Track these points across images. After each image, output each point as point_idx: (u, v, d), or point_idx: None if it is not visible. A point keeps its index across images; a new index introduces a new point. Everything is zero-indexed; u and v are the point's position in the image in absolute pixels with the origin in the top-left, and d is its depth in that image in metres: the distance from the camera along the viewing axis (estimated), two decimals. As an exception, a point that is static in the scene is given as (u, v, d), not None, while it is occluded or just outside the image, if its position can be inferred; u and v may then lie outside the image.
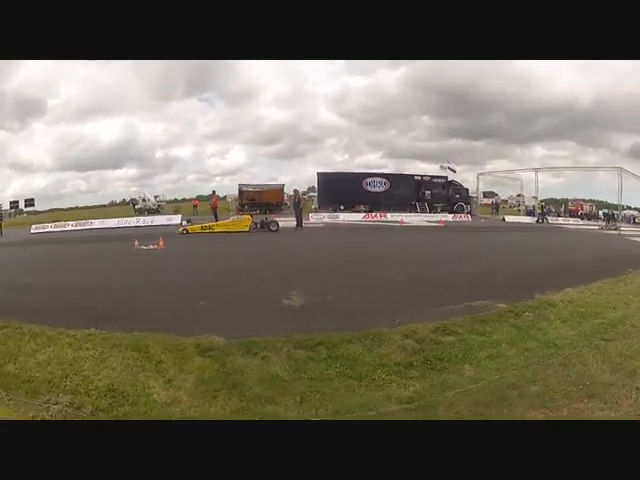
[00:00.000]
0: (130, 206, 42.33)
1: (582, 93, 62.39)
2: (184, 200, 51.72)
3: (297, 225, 19.32)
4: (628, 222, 29.77)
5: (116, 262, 10.49)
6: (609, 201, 38.18)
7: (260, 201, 34.42)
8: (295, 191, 19.74)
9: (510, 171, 37.27)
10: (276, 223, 18.89)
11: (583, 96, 66.82)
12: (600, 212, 31.89)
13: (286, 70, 71.86)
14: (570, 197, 39.07)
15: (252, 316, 5.24)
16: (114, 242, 16.20)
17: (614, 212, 30.07)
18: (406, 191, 34.85)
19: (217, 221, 20.74)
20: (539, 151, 79.07)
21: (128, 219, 28.59)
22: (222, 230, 18.44)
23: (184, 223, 24.41)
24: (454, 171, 36.05)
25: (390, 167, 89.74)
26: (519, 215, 34.81)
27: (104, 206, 53.86)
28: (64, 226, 25.97)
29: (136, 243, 12.77)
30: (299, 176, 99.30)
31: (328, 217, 26.13)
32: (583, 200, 37.03)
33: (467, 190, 35.31)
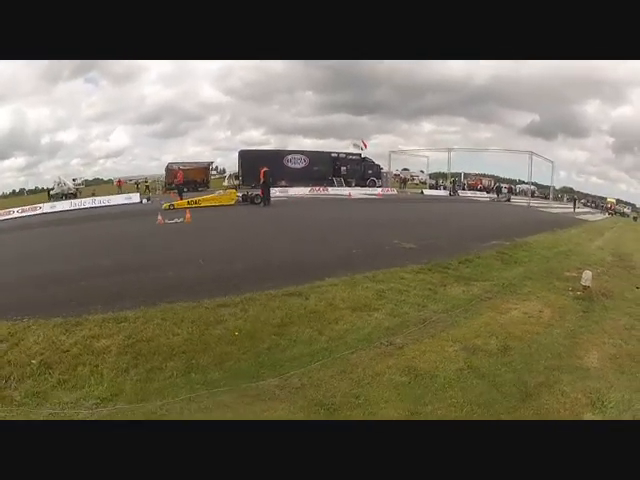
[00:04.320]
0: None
1: (478, 69, 67.85)
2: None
3: (262, 201, 19.50)
4: (525, 195, 38.14)
5: (194, 235, 11.83)
6: (498, 175, 47.52)
7: (186, 179, 34.00)
8: (264, 169, 20.21)
9: (419, 149, 44.53)
10: (259, 197, 19.87)
11: (479, 73, 72.22)
12: (502, 186, 39.74)
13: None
14: (457, 171, 46.42)
15: (398, 255, 8.27)
16: (125, 219, 17.22)
17: (503, 186, 38.80)
18: (323, 167, 39.01)
19: (181, 197, 21.71)
20: (426, 126, 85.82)
21: (83, 200, 28.41)
22: (208, 204, 19.43)
23: (145, 201, 26.82)
24: (363, 148, 41.83)
25: (272, 143, 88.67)
26: (419, 188, 41.69)
27: (-4, 198, 49.97)
28: (8, 213, 25.15)
29: (159, 218, 13.82)
30: (180, 155, 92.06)
31: (279, 192, 28.68)
32: (482, 175, 45.88)
33: (379, 166, 41.19)
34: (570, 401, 3.42)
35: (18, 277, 7.45)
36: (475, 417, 3.31)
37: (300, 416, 3.37)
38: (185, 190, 30.28)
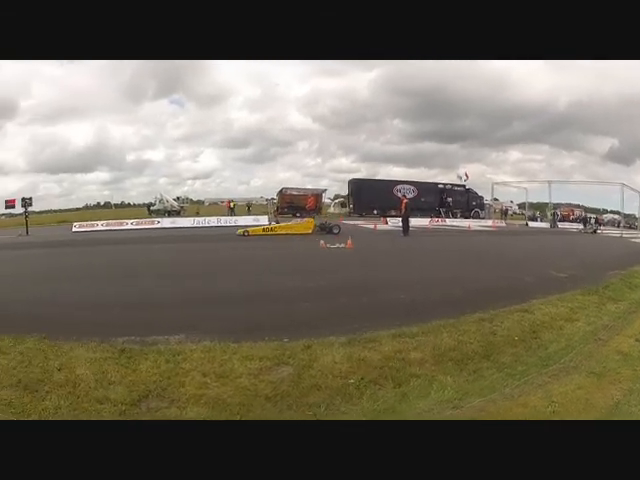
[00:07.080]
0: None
1: (558, 95, 63.80)
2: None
3: (404, 232, 21.95)
4: (612, 225, 39.56)
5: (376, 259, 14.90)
6: (584, 204, 48.91)
7: (298, 204, 37.30)
8: (405, 201, 23.71)
9: (521, 182, 47.06)
10: (338, 226, 21.48)
11: (559, 98, 69.29)
12: (590, 217, 40.61)
13: (256, 72, 70.50)
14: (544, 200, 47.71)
15: (560, 283, 10.31)
16: (277, 242, 18.87)
17: (590, 216, 40.65)
18: (431, 198, 41.63)
19: (277, 222, 22.94)
20: (514, 155, 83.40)
21: (207, 219, 30.24)
22: (284, 232, 20.24)
23: (273, 223, 26.69)
24: (467, 178, 44.33)
25: (362, 171, 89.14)
26: (515, 219, 42.73)
27: (78, 209, 56.77)
28: (121, 224, 28.25)
29: (322, 243, 15.45)
30: (270, 180, 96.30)
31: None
32: (572, 205, 47.90)
33: (482, 197, 43.23)
34: None
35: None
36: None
37: (592, 379, 4.63)
38: (298, 215, 33.59)
